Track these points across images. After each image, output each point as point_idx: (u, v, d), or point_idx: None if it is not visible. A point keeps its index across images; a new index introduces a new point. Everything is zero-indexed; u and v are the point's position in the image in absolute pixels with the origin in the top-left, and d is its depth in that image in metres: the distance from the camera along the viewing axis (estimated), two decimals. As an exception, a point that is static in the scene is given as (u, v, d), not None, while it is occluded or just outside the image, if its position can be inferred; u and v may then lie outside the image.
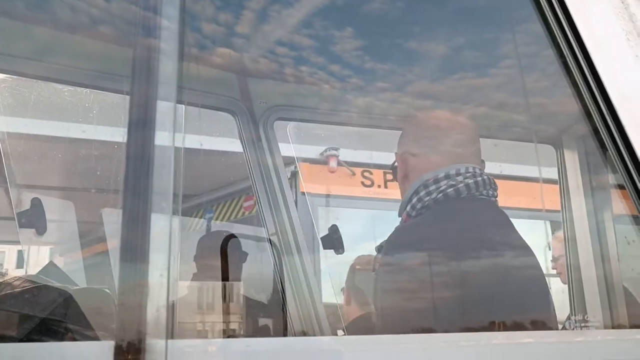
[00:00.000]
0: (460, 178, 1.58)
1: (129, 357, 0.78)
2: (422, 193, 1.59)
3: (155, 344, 0.79)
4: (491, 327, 1.18)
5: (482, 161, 1.68)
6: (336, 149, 4.02)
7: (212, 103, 2.50)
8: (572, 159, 2.24)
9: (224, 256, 1.98)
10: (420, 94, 2.25)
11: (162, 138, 0.86)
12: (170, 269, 0.83)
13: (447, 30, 1.91)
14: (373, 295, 1.86)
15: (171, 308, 0.82)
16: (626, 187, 0.97)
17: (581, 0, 0.95)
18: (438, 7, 1.81)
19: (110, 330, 1.22)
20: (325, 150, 4.03)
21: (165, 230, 0.83)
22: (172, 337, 0.80)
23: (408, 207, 1.62)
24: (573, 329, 0.89)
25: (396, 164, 1.76)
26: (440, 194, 1.57)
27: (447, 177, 1.58)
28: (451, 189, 1.56)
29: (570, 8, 0.94)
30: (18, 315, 1.38)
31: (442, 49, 2.02)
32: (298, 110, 2.53)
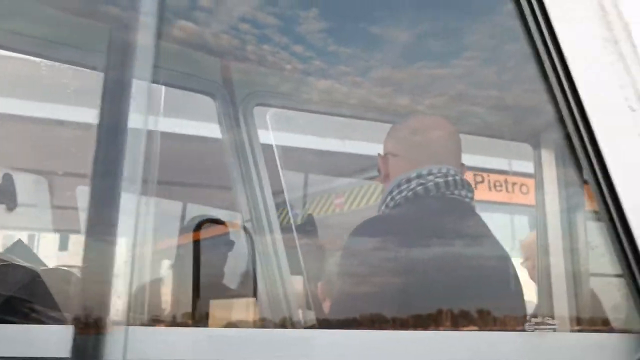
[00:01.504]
0: (431, 177, 1.62)
1: (89, 343, 0.76)
2: (395, 192, 1.64)
3: (116, 331, 0.77)
4: (444, 319, 1.19)
5: (463, 164, 1.73)
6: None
7: (191, 85, 2.46)
8: (548, 159, 2.26)
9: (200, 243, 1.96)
10: (397, 85, 2.24)
11: (135, 118, 0.84)
12: (135, 255, 0.81)
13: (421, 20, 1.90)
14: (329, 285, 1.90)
15: (134, 295, 0.80)
16: (593, 191, 0.99)
17: (561, 6, 0.95)
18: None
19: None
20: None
21: (132, 214, 0.81)
22: (134, 324, 0.79)
23: (383, 207, 1.67)
24: (533, 330, 0.90)
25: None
26: (410, 192, 1.62)
27: (419, 176, 1.63)
28: (420, 187, 1.61)
29: (550, 13, 0.94)
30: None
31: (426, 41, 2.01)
32: (279, 96, 2.50)
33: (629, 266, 0.91)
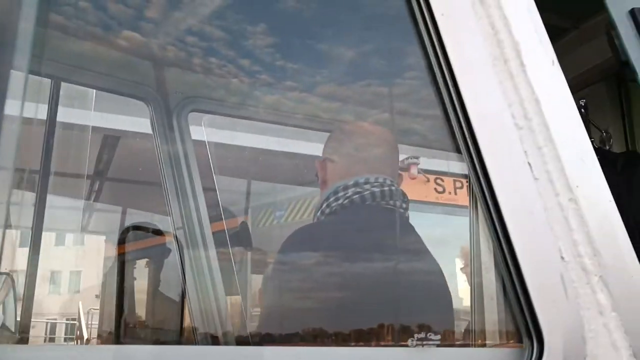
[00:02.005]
0: (367, 186, 1.63)
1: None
2: (332, 199, 1.65)
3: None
4: (374, 333, 1.19)
5: (400, 175, 1.75)
6: (417, 157, 3.99)
7: (125, 90, 2.42)
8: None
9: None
10: (336, 97, 2.26)
11: (10, 108, 0.81)
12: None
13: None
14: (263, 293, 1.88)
15: (3, 307, 0.76)
16: (480, 206, 1.01)
17: (452, 22, 0.97)
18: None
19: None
20: (407, 158, 4.02)
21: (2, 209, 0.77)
22: (3, 342, 0.75)
23: (319, 213, 1.67)
24: (415, 346, 0.91)
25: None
26: (347, 200, 1.62)
27: (356, 184, 1.64)
28: (357, 195, 1.62)
29: (441, 29, 0.95)
30: None
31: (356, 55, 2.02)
32: (214, 103, 2.49)
33: (510, 278, 0.93)
